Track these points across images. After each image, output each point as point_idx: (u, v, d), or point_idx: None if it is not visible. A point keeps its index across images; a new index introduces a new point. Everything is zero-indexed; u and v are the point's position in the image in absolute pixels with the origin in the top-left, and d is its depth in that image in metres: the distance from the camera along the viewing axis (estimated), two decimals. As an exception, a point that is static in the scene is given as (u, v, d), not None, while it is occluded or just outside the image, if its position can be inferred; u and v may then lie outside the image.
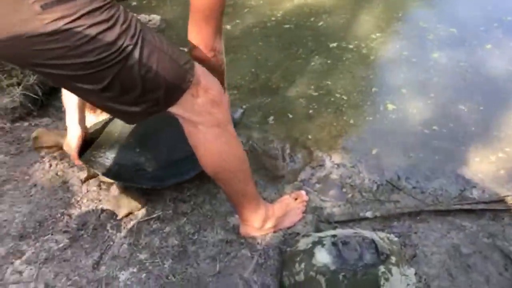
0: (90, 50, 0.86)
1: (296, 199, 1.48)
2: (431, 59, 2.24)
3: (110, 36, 0.88)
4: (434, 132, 1.80)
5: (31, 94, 1.86)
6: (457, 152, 1.71)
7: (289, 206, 1.44)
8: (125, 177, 1.40)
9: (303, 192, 1.50)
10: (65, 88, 1.08)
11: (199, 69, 1.05)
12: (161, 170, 1.42)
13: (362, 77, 2.11)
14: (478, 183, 1.56)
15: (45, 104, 1.94)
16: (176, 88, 1.01)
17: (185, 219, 1.44)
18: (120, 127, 1.46)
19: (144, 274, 1.28)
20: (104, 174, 1.39)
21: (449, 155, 1.69)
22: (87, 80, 0.92)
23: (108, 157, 1.39)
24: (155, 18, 2.53)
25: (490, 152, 1.69)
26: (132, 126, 1.44)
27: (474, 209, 1.44)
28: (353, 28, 2.50)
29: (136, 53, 0.92)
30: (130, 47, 0.91)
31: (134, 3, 2.79)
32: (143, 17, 2.51)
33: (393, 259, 1.15)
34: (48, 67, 0.89)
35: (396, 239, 1.25)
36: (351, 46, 2.34)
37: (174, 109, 1.05)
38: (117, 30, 0.88)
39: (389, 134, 1.80)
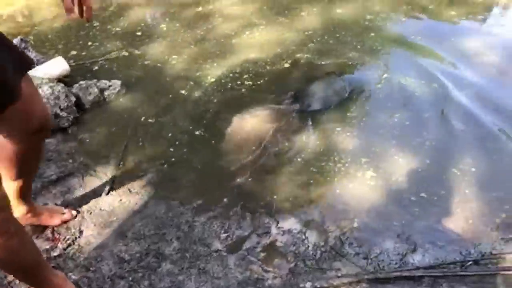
0: None
1: None
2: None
3: None
4: (391, 192, 1.81)
5: None
6: (403, 214, 1.72)
7: None
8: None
9: None
10: None
11: None
12: None
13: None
14: (420, 247, 1.56)
15: None
16: None
17: (121, 297, 1.41)
18: None
19: None
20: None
21: (395, 217, 1.70)
22: None
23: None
24: (116, 83, 2.58)
25: (434, 213, 1.71)
26: None
27: (413, 276, 1.44)
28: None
29: None
30: None
31: (96, 68, 2.83)
32: (104, 82, 2.56)
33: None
34: None
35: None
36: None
37: None
38: None
39: (338, 198, 1.80)
